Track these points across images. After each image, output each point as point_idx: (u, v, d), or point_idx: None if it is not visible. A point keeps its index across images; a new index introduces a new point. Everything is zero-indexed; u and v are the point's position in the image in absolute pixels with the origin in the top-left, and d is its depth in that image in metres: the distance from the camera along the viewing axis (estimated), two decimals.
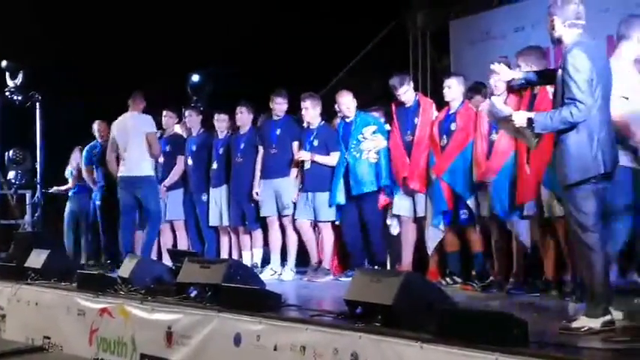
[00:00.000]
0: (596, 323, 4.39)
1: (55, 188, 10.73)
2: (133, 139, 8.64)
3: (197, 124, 9.04)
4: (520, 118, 4.69)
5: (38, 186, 10.66)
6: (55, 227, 10.76)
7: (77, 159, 10.36)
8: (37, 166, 10.64)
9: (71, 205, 10.44)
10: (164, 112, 9.22)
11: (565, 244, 5.93)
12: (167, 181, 9.00)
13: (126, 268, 7.01)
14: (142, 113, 8.80)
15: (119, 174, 8.77)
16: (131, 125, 8.72)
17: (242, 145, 8.37)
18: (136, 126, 8.70)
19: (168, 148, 9.12)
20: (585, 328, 4.37)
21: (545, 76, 5.09)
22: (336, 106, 7.93)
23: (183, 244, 9.03)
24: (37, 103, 10.54)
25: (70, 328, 7.08)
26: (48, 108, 10.63)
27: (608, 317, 4.42)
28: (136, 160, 8.64)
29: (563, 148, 4.54)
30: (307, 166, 7.85)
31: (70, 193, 10.50)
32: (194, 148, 8.91)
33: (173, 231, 9.16)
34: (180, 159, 9.01)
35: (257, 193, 8.11)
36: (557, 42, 4.71)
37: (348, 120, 7.76)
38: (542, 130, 4.59)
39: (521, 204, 6.25)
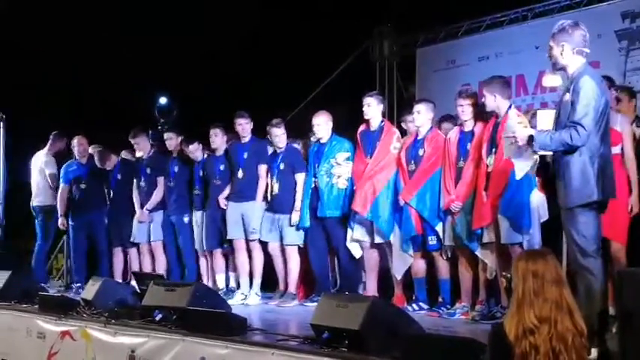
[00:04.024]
0: (592, 352, 4.32)
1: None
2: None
3: (177, 146, 8.85)
4: (522, 134, 4.73)
5: (0, 206, 10.52)
6: (17, 247, 10.65)
7: None
8: (0, 187, 10.50)
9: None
10: (134, 140, 9.05)
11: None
12: (149, 204, 8.86)
13: (89, 291, 6.93)
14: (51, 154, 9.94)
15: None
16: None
17: (222, 167, 8.28)
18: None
19: (148, 171, 8.96)
20: None
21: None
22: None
23: (161, 266, 8.86)
24: (1, 123, 10.46)
25: (29, 351, 6.98)
26: (11, 127, 10.55)
27: (603, 347, 4.38)
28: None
29: (566, 172, 4.58)
30: (275, 190, 7.85)
31: None
32: (176, 169, 8.77)
33: (152, 253, 8.99)
34: (160, 180, 8.87)
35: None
36: (561, 68, 4.75)
37: (322, 141, 7.73)
38: (541, 148, 4.64)
39: (476, 230, 6.31)
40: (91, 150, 9.70)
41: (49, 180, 9.86)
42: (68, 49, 12.33)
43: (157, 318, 6.04)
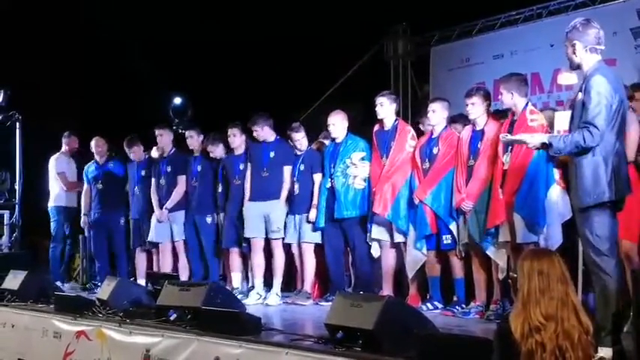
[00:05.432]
0: (608, 352, 4.30)
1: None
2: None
3: (198, 145, 8.76)
4: (535, 142, 4.75)
5: (17, 206, 10.57)
6: (34, 247, 10.70)
7: None
8: (17, 187, 10.56)
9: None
10: (158, 131, 8.94)
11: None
12: (169, 203, 8.75)
13: (104, 291, 6.95)
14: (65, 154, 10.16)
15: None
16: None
17: (241, 166, 8.22)
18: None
19: (169, 169, 8.89)
20: (597, 358, 4.24)
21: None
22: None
23: (182, 267, 8.78)
24: (17, 123, 10.51)
25: (45, 351, 7.00)
26: (28, 128, 10.60)
27: (619, 346, 4.34)
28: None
29: (578, 171, 4.56)
30: (296, 191, 7.84)
31: None
32: (199, 168, 8.66)
33: (173, 253, 8.90)
34: (181, 179, 8.79)
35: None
36: (577, 67, 4.75)
37: (337, 141, 7.70)
38: (557, 153, 4.66)
39: (492, 228, 6.26)
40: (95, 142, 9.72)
41: (61, 181, 9.93)
42: (81, 49, 12.40)
43: (172, 318, 6.05)
